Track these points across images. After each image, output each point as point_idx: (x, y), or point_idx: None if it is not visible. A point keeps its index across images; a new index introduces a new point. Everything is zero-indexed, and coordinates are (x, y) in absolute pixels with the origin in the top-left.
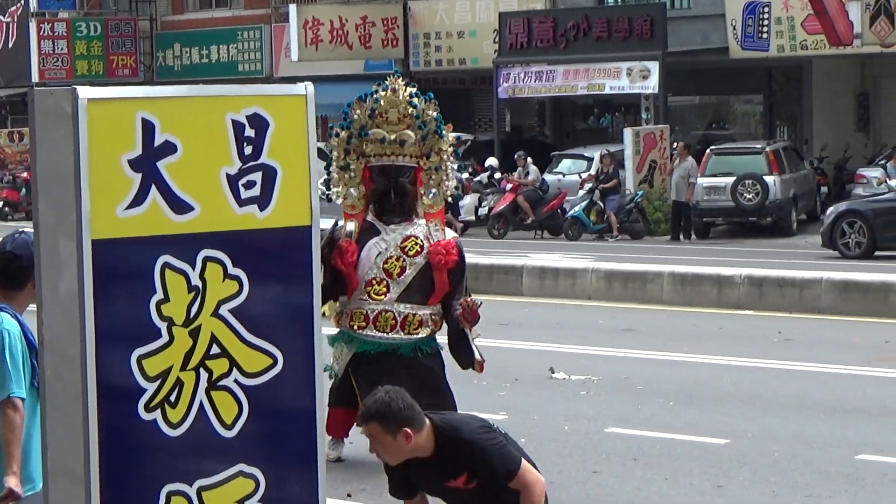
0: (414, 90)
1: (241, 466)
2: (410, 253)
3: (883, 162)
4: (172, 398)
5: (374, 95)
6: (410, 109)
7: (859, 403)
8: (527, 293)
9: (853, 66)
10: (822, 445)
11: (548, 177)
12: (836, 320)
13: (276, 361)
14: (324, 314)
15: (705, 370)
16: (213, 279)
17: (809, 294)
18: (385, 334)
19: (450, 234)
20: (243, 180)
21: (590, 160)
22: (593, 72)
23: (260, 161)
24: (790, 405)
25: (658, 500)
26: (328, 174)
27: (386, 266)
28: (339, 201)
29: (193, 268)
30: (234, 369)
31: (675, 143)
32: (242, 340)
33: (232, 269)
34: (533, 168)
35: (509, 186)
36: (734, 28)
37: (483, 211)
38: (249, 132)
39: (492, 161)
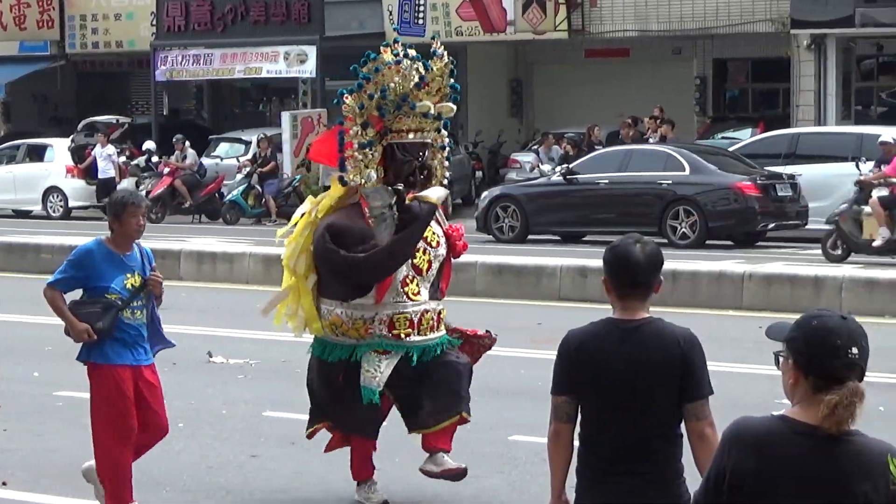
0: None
1: None
2: (433, 244)
3: (535, 147)
4: None
5: (413, 61)
6: (451, 80)
7: (515, 385)
8: (185, 277)
9: (507, 52)
10: (477, 427)
11: (205, 161)
12: (491, 303)
13: None
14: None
15: None
16: None
17: (465, 277)
18: (426, 337)
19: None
20: None
21: (247, 144)
22: (251, 55)
23: None
24: None
25: (316, 483)
26: (340, 153)
27: (415, 261)
28: (359, 184)
29: None
30: None
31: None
32: None
33: None
34: (191, 152)
35: (167, 170)
36: (391, 13)
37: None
38: None
39: (149, 144)
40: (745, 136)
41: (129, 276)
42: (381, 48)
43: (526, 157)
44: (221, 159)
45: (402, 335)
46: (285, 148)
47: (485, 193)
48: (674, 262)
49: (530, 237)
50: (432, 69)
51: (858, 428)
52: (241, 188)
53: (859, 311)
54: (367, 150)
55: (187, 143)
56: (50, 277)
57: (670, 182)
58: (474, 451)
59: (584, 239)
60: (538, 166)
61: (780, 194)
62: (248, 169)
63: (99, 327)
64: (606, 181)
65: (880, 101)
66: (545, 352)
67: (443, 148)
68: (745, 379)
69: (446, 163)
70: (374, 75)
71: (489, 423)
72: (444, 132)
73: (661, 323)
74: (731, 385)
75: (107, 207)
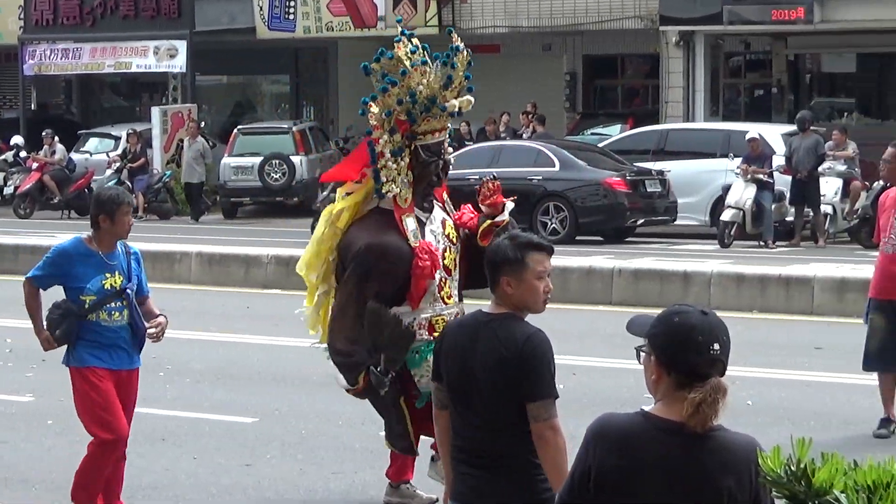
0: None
1: None
2: (454, 240)
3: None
4: None
5: (433, 58)
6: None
7: None
8: None
9: (377, 48)
10: (349, 423)
11: (75, 156)
12: None
13: None
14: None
15: (236, 350)
16: None
17: None
18: None
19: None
20: None
21: (117, 139)
22: (120, 50)
23: None
24: (321, 384)
25: (186, 479)
26: (374, 165)
27: (445, 262)
28: (395, 194)
29: None
30: None
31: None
32: None
33: None
34: (60, 147)
35: (35, 165)
36: (261, 9)
37: (9, 190)
38: None
39: (17, 139)
40: (615, 133)
41: (108, 276)
42: (395, 44)
43: None
44: (91, 154)
45: None
46: (155, 143)
47: None
48: None
49: None
50: (458, 66)
51: (727, 422)
52: (110, 184)
53: (727, 307)
54: (399, 157)
55: (56, 138)
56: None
57: (540, 178)
58: (346, 446)
59: None
60: None
61: (649, 190)
62: (117, 164)
63: (56, 336)
64: (476, 177)
65: (749, 96)
66: None
67: (449, 135)
68: (616, 374)
69: (450, 149)
70: (401, 79)
71: (360, 418)
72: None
73: (512, 320)
74: (602, 380)
75: (96, 205)
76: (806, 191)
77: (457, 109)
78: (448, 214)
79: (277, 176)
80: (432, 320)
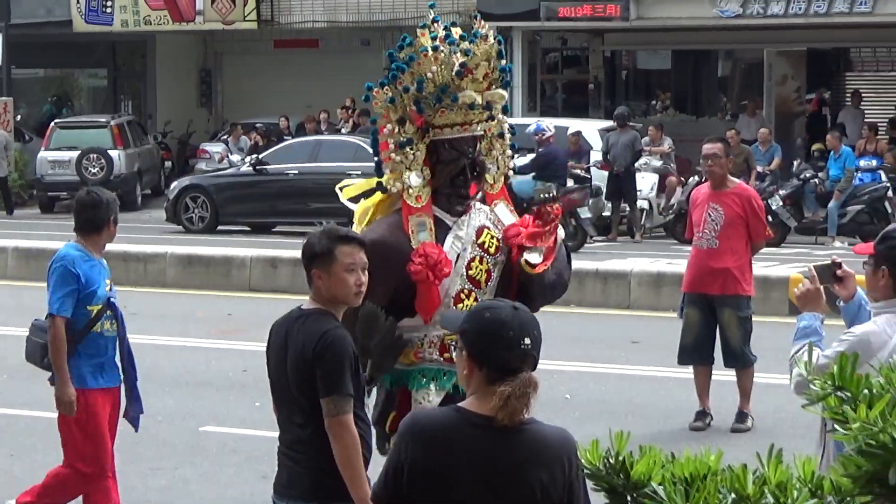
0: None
1: None
2: (491, 250)
3: (225, 137)
4: None
5: (453, 44)
6: (501, 62)
7: (205, 376)
8: None
9: (196, 42)
10: (168, 419)
11: None
12: (181, 294)
13: None
14: None
15: None
16: None
17: (154, 268)
18: None
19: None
20: None
21: None
22: None
23: None
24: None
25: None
26: (375, 156)
27: (471, 272)
28: (401, 190)
29: None
30: None
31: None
32: None
33: None
34: None
35: None
36: (78, 1)
37: None
38: None
39: None
40: None
41: (108, 280)
42: (419, 30)
43: (215, 148)
44: None
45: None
46: None
47: (174, 184)
48: None
49: (220, 228)
50: (475, 54)
51: (545, 416)
52: None
53: None
54: (407, 149)
55: None
56: (51, 306)
57: (360, 173)
58: (165, 442)
59: (273, 230)
60: (227, 157)
61: None
62: None
63: (45, 363)
64: (296, 171)
65: (566, 92)
66: (234, 342)
67: (501, 135)
68: None
69: (509, 151)
70: (410, 64)
71: (179, 413)
72: (503, 116)
73: (318, 317)
74: None
75: (98, 209)
76: (622, 186)
77: (478, 102)
78: (494, 224)
79: (95, 170)
80: (445, 340)
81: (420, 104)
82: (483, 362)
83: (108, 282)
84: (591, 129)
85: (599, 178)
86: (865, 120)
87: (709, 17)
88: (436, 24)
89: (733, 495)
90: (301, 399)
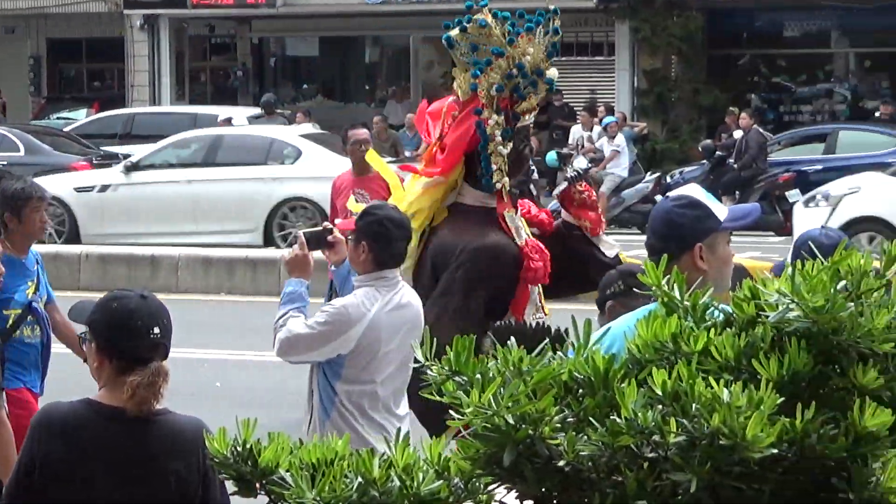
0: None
1: None
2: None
3: None
4: None
5: (532, 24)
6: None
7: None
8: None
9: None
10: None
11: None
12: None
13: None
14: None
15: None
16: None
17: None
18: None
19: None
20: None
21: None
22: None
23: None
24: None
25: None
26: (483, 151)
27: None
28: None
29: None
30: None
31: None
32: None
33: None
34: None
35: None
36: None
37: None
38: None
39: None
40: (81, 117)
41: (30, 283)
42: (480, 8)
43: None
44: None
45: None
46: None
47: None
48: None
49: None
50: (559, 32)
51: (194, 406)
52: None
53: (196, 289)
54: (508, 140)
55: None
56: None
57: (5, 163)
58: None
59: None
60: None
61: None
62: None
63: None
64: None
65: (215, 80)
66: None
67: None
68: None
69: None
70: (508, 48)
71: None
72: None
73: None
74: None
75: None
76: None
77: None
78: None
79: None
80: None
81: (518, 89)
82: (112, 353)
83: (31, 283)
84: (240, 116)
85: None
86: None
87: (355, 4)
88: (483, 10)
89: (360, 479)
90: None
